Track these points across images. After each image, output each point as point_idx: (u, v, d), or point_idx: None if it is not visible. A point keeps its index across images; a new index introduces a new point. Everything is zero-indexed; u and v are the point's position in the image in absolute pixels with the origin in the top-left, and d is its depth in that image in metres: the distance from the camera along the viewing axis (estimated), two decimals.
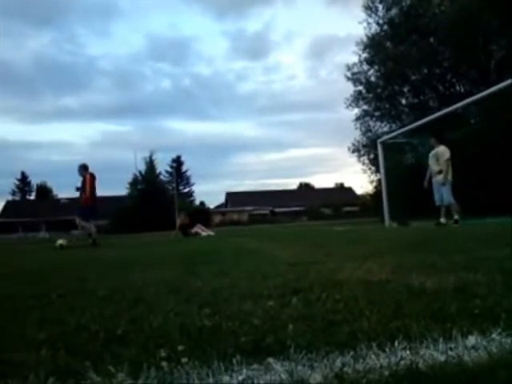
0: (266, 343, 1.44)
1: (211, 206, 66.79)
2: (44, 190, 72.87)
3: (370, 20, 26.35)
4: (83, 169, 11.16)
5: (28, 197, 72.69)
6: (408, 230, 10.38)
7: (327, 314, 1.80)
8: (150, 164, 54.24)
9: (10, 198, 69.09)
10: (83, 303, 2.39)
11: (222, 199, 73.80)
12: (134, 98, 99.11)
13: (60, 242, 10.57)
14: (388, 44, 25.54)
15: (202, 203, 64.55)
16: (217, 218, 55.79)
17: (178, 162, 66.52)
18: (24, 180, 73.57)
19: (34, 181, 74.11)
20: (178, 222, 17.42)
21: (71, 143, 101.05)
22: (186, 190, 66.02)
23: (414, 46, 23.31)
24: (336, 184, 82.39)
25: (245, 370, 1.21)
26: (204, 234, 15.64)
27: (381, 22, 26.27)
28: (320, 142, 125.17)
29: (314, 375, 1.14)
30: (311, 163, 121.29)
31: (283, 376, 1.15)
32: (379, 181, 20.37)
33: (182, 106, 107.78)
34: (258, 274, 3.25)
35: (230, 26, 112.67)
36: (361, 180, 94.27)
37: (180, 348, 1.43)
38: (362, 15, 26.51)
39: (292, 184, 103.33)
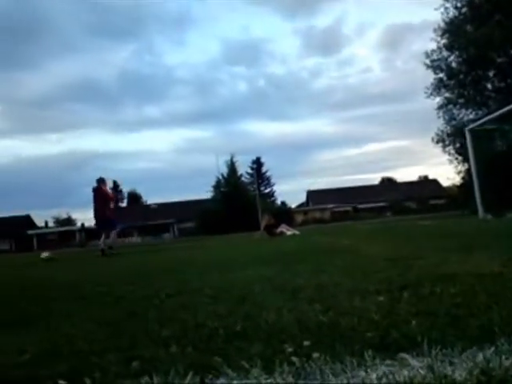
0: (392, 338, 1.41)
1: (292, 206, 66.96)
2: (134, 197, 76.50)
3: (448, 4, 25.17)
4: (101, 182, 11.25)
5: (120, 204, 76.60)
6: (506, 221, 9.79)
7: (448, 308, 1.73)
8: (232, 167, 55.24)
9: None
10: (193, 302, 2.47)
11: (302, 198, 73.64)
12: (212, 103, 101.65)
13: (44, 255, 10.57)
14: (468, 27, 24.24)
15: (284, 203, 64.81)
16: (299, 217, 55.74)
17: (258, 163, 67.30)
18: (116, 188, 77.64)
19: (125, 189, 78.09)
20: (264, 222, 17.53)
21: (156, 151, 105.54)
22: (267, 191, 66.58)
23: (498, 27, 21.93)
24: (420, 177, 79.52)
25: (379, 366, 1.19)
26: (289, 233, 15.65)
27: (459, 5, 25.00)
28: (400, 134, 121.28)
29: (456, 371, 1.09)
30: (392, 157, 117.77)
31: (422, 372, 1.11)
32: (467, 171, 19.43)
33: (259, 108, 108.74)
34: (357, 271, 3.21)
35: (301, 24, 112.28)
36: (447, 171, 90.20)
37: (305, 343, 1.42)
38: (438, 1, 25.36)
39: (373, 179, 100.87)
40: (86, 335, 1.83)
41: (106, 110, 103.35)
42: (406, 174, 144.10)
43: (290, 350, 1.38)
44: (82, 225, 60.87)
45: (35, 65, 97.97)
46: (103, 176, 11.17)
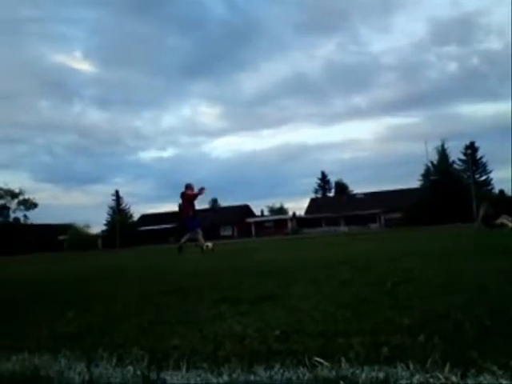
0: None
1: None
2: (341, 187, 77.34)
3: None
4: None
5: (328, 194, 78.31)
6: None
7: None
8: (442, 153, 52.25)
9: (313, 195, 75.69)
10: (425, 291, 2.36)
11: None
12: (419, 88, 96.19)
13: (209, 245, 11.13)
14: None
15: (502, 191, 58.71)
16: None
17: (472, 149, 62.08)
18: (324, 178, 79.65)
19: (332, 179, 79.61)
20: (481, 212, 16.15)
21: (360, 140, 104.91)
22: (483, 178, 61.00)
23: None
24: None
25: None
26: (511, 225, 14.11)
27: None
28: None
29: None
30: None
31: None
32: None
33: (472, 88, 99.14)
34: None
35: None
36: None
37: None
38: None
39: None
40: (326, 316, 1.88)
41: (314, 103, 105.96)
42: None
43: None
44: (294, 214, 64.12)
45: (250, 65, 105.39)
46: (190, 182, 12.07)
